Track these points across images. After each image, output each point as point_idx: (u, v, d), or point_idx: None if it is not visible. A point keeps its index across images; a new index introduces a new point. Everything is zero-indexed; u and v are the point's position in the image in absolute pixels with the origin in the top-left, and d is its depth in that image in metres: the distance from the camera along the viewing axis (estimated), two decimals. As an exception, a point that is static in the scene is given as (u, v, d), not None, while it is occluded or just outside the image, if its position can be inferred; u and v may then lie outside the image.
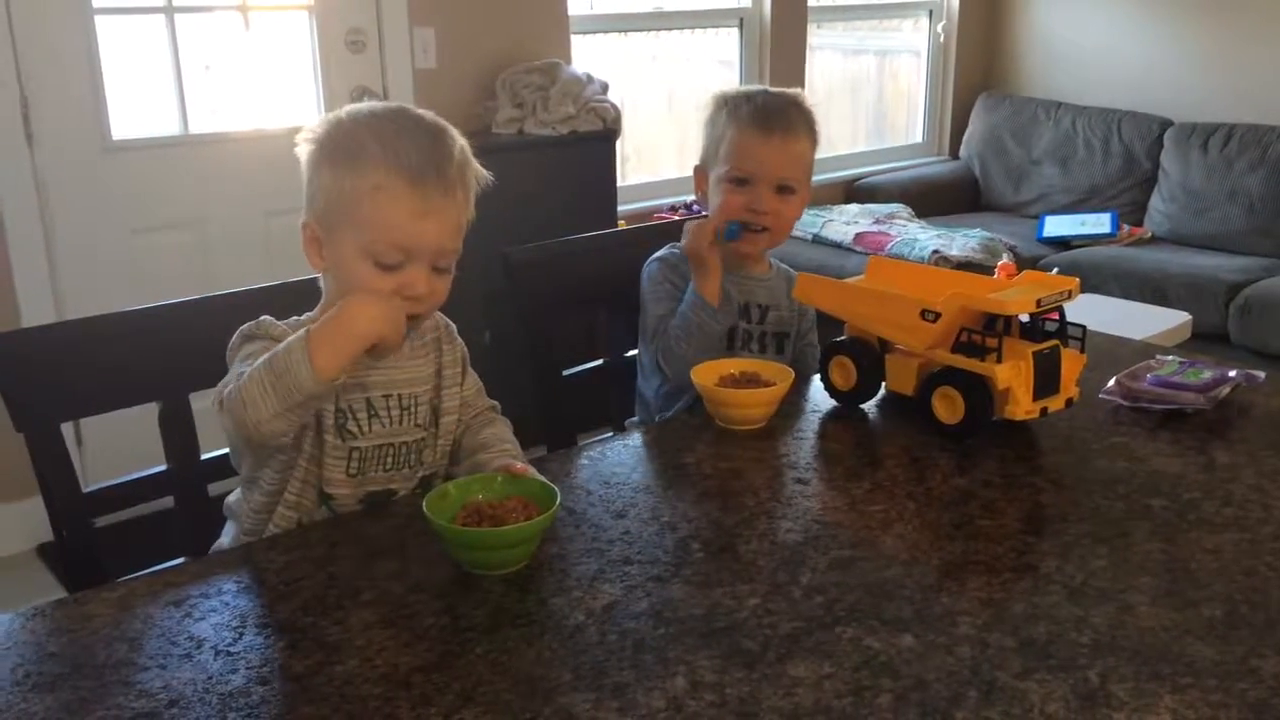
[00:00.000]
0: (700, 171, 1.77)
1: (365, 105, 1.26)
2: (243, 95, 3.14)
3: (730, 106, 1.71)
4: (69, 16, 2.80)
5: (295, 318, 1.28)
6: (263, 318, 1.25)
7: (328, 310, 1.22)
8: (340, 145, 1.22)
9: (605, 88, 3.51)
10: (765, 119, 1.67)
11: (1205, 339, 3.59)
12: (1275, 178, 4.13)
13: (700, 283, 1.65)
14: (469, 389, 1.40)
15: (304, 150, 1.25)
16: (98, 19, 2.85)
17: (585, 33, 3.89)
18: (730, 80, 4.37)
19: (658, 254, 1.74)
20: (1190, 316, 3.47)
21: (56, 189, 2.84)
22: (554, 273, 1.82)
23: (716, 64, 4.48)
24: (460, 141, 1.26)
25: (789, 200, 1.69)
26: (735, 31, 4.39)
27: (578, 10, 3.79)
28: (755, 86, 1.76)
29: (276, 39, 3.21)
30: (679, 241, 1.76)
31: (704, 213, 1.78)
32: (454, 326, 1.41)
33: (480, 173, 1.29)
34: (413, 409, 1.31)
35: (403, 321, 1.20)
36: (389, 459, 1.30)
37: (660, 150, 4.30)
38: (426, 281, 1.23)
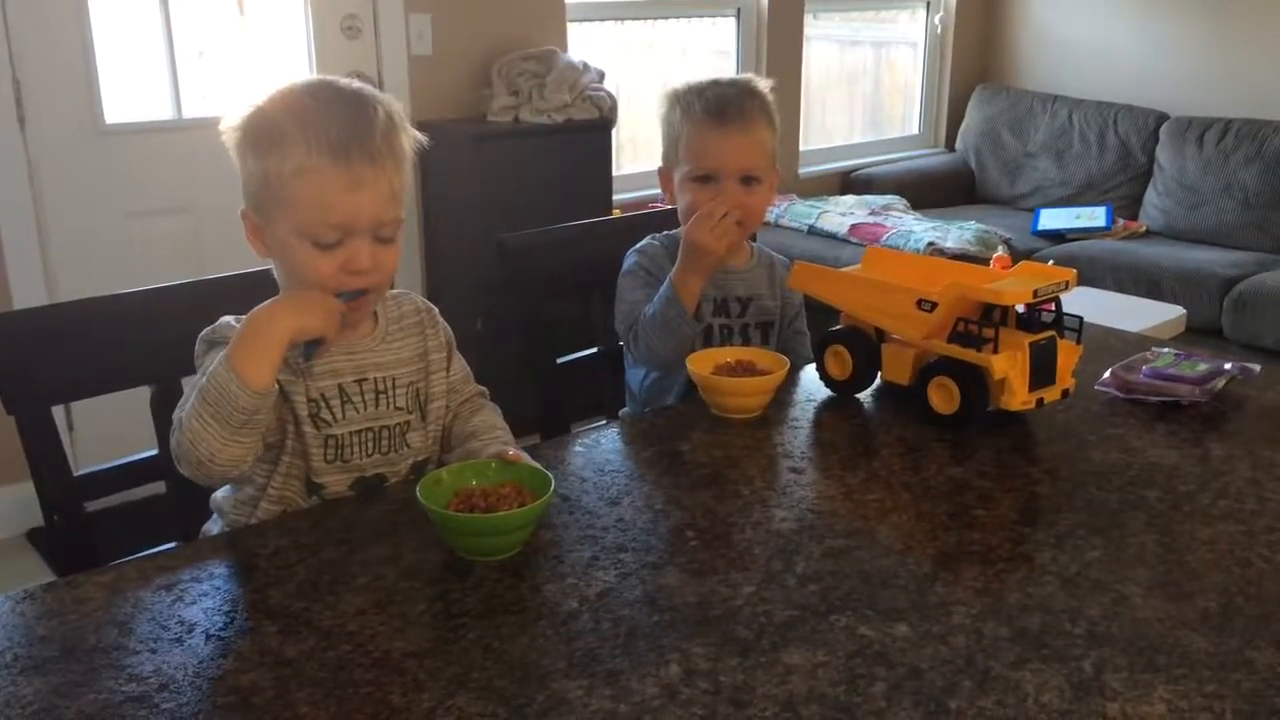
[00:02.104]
0: (664, 172, 1.75)
1: (286, 83, 1.24)
2: (237, 80, 3.12)
3: (683, 104, 1.68)
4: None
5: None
6: (220, 321, 1.24)
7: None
8: (260, 129, 1.21)
9: (601, 76, 3.50)
10: (719, 113, 1.64)
11: (1199, 333, 3.60)
12: (1271, 172, 4.13)
13: (685, 275, 1.60)
14: (456, 374, 1.39)
15: (229, 139, 1.23)
16: (91, 1, 2.83)
17: (581, 20, 3.88)
18: (728, 69, 4.36)
19: (638, 245, 1.73)
20: (1185, 310, 3.48)
21: (49, 172, 2.82)
22: (550, 259, 1.82)
23: (713, 53, 4.46)
24: (386, 108, 1.23)
25: (755, 190, 1.67)
26: (732, 21, 4.38)
27: (574, -2, 3.77)
28: (706, 79, 1.71)
29: (271, 24, 3.19)
30: (662, 232, 1.75)
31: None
32: (435, 310, 1.39)
33: (414, 135, 1.26)
34: (390, 392, 1.30)
35: (320, 306, 1.18)
36: (370, 443, 1.29)
37: (655, 140, 4.28)
38: (369, 255, 1.21)
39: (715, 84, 1.69)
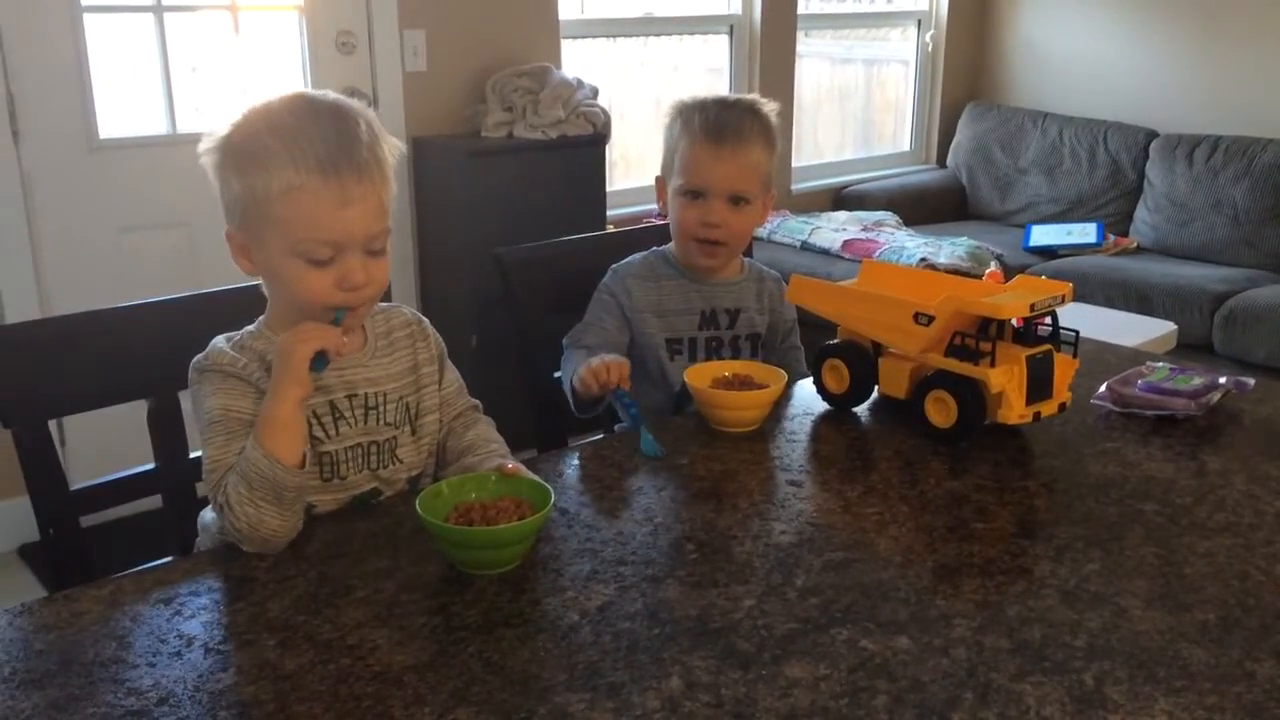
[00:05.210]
0: (661, 181, 1.77)
1: (261, 101, 1.21)
2: (232, 95, 3.13)
3: (685, 118, 1.70)
4: (57, 14, 2.78)
5: (249, 329, 1.26)
6: (212, 346, 1.23)
7: (275, 316, 1.23)
8: (242, 149, 1.18)
9: (595, 92, 3.51)
10: (717, 132, 1.66)
11: (1191, 349, 3.61)
12: (1260, 189, 4.16)
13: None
14: (448, 386, 1.38)
15: (208, 160, 1.21)
16: (86, 17, 2.83)
17: (575, 37, 3.89)
18: (721, 87, 4.37)
19: (618, 262, 1.75)
20: (1176, 326, 3.48)
21: (43, 187, 2.82)
22: (547, 273, 1.82)
23: (706, 71, 4.48)
24: (365, 118, 1.21)
25: (744, 211, 1.69)
26: (725, 38, 4.39)
27: (568, 15, 3.78)
28: (712, 95, 1.74)
29: (266, 40, 3.20)
30: (651, 248, 1.76)
31: (665, 220, 1.78)
32: (426, 321, 1.39)
33: (394, 144, 1.25)
34: (380, 407, 1.29)
35: (317, 336, 1.17)
36: (360, 459, 1.28)
37: (648, 156, 4.30)
38: (363, 270, 1.20)
39: (720, 103, 1.70)
